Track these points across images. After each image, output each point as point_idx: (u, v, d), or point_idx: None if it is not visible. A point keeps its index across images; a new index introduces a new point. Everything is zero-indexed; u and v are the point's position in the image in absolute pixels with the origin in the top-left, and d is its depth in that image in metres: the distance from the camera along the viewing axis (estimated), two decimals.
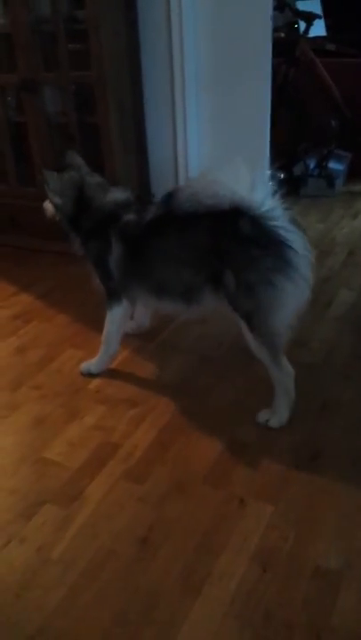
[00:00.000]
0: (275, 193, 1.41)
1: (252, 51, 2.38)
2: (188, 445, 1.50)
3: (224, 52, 2.42)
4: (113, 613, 1.10)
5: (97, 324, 1.78)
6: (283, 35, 3.21)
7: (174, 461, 1.45)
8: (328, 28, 3.57)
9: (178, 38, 2.38)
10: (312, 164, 3.33)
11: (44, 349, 1.94)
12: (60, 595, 1.13)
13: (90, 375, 1.78)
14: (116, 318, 1.72)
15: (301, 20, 3.23)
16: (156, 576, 1.16)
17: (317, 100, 3.30)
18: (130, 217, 1.59)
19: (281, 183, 3.20)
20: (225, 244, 1.44)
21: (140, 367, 1.83)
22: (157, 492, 1.36)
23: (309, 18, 3.22)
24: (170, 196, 1.52)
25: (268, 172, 2.73)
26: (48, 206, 1.73)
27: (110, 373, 1.79)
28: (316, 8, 3.48)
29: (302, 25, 3.25)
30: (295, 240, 1.39)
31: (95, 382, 1.76)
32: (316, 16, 3.25)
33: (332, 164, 3.34)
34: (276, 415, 1.53)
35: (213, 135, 2.57)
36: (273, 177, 3.10)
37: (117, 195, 1.66)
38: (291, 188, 3.26)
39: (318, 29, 3.42)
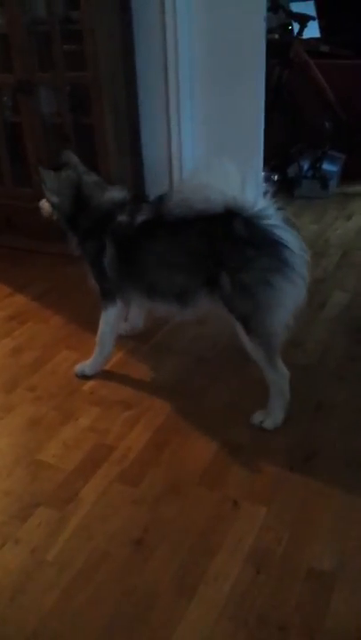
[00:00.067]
0: (266, 192, 1.42)
1: (247, 52, 2.39)
2: (182, 447, 1.50)
3: (218, 54, 2.42)
4: (108, 615, 1.10)
5: (92, 326, 1.78)
6: (277, 36, 3.22)
7: (169, 463, 1.45)
8: (322, 29, 3.58)
9: (172, 40, 2.39)
10: (306, 166, 3.34)
11: (39, 351, 1.94)
12: (55, 596, 1.13)
13: (84, 377, 1.78)
14: (111, 319, 1.72)
15: (295, 21, 3.24)
16: (150, 577, 1.17)
17: (311, 102, 3.31)
18: (123, 218, 1.59)
19: (275, 184, 3.21)
20: (219, 247, 1.44)
21: (135, 369, 1.83)
22: (152, 493, 1.36)
23: (303, 19, 3.23)
24: (160, 201, 1.53)
25: (262, 174, 2.74)
26: (45, 205, 1.72)
27: (105, 375, 1.79)
28: (310, 10, 3.49)
29: (296, 26, 3.26)
30: (290, 239, 1.40)
31: (90, 384, 1.76)
32: (309, 17, 3.26)
33: (326, 166, 3.35)
34: (271, 417, 1.53)
35: (208, 137, 2.58)
36: (267, 178, 3.11)
37: (115, 194, 1.66)
38: (285, 189, 3.27)
39: (312, 31, 3.43)
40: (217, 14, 2.36)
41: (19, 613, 1.11)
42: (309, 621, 1.07)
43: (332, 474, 1.39)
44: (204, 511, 1.31)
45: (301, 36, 3.26)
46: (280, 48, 3.18)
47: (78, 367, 1.79)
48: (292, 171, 3.32)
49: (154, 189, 2.50)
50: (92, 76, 2.27)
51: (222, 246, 1.44)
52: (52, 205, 1.69)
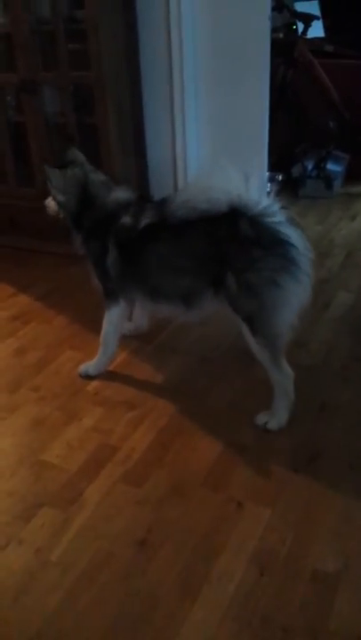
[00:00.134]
0: (269, 191, 1.41)
1: (251, 52, 2.38)
2: (186, 447, 1.50)
3: (223, 53, 2.42)
4: (112, 615, 1.10)
5: (96, 326, 1.78)
6: (281, 35, 3.21)
7: (172, 464, 1.45)
8: (326, 29, 3.57)
9: (177, 39, 2.38)
10: (310, 166, 3.33)
11: (42, 351, 1.94)
12: (59, 597, 1.13)
13: (88, 377, 1.78)
14: (114, 318, 1.71)
15: (300, 21, 3.23)
16: (154, 578, 1.17)
17: (316, 101, 3.30)
18: (126, 220, 1.58)
19: (279, 184, 3.21)
20: (225, 247, 1.44)
21: (139, 369, 1.83)
22: (156, 494, 1.36)
23: (308, 19, 3.22)
24: (163, 203, 1.52)
25: (267, 173, 2.73)
26: (50, 204, 1.72)
27: (108, 375, 1.79)
28: (315, 9, 3.48)
29: (300, 26, 3.25)
30: (295, 237, 1.40)
31: (93, 384, 1.76)
32: (314, 17, 3.25)
33: (331, 166, 3.34)
34: (275, 417, 1.53)
35: (212, 137, 2.57)
36: (271, 178, 3.10)
37: (120, 194, 1.65)
38: (289, 189, 3.26)
39: (317, 30, 3.42)
40: (221, 14, 2.36)
41: (22, 614, 1.11)
42: (313, 623, 1.07)
43: (337, 475, 1.39)
44: (208, 512, 1.31)
45: (306, 35, 3.25)
46: (284, 47, 3.18)
47: (82, 367, 1.79)
48: (296, 170, 3.31)
49: (158, 190, 2.51)
50: (95, 75, 2.27)
51: (228, 247, 1.43)
52: (58, 204, 1.68)
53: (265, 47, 2.38)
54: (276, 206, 1.41)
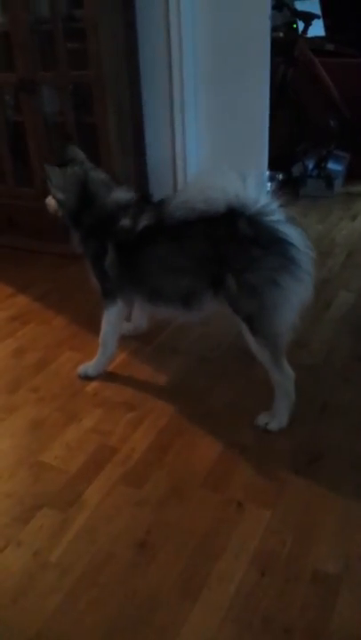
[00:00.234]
0: (270, 190, 1.41)
1: (251, 51, 2.38)
2: (186, 448, 1.49)
3: (223, 53, 2.42)
4: (111, 617, 1.09)
5: (95, 327, 1.77)
6: (281, 34, 3.20)
7: (172, 465, 1.44)
8: (327, 28, 3.57)
9: (176, 39, 2.38)
10: (311, 165, 3.32)
11: (41, 352, 1.93)
12: (58, 599, 1.13)
13: (87, 378, 1.77)
14: (112, 318, 1.71)
15: (300, 19, 3.23)
16: (154, 580, 1.16)
17: (316, 101, 3.30)
18: (125, 222, 1.57)
19: (279, 183, 3.20)
20: (224, 248, 1.43)
21: (138, 369, 1.82)
22: (156, 495, 1.35)
23: (308, 18, 3.21)
24: (161, 205, 1.51)
25: (267, 173, 2.73)
26: (51, 202, 1.71)
27: (108, 376, 1.78)
28: (315, 8, 3.48)
29: (301, 25, 3.24)
30: (295, 236, 1.39)
31: (93, 385, 1.75)
32: (314, 16, 3.24)
33: (331, 165, 3.33)
34: (276, 418, 1.52)
35: (212, 136, 2.57)
36: (272, 177, 3.10)
37: (120, 194, 1.63)
38: (289, 188, 3.25)
39: (317, 29, 3.41)
40: (221, 13, 2.35)
41: (21, 616, 1.10)
42: (314, 624, 1.06)
43: (338, 476, 1.38)
44: (208, 513, 1.30)
45: (306, 34, 3.25)
46: (285, 46, 3.17)
47: (81, 368, 1.78)
48: (296, 170, 3.31)
49: (158, 190, 2.50)
50: (95, 74, 2.26)
51: (227, 247, 1.43)
52: (58, 202, 1.67)
53: (265, 46, 2.37)
54: (275, 205, 1.40)
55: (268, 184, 2.97)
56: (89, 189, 1.63)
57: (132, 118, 2.49)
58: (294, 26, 3.26)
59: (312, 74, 3.25)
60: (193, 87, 2.49)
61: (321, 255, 2.49)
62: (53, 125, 2.50)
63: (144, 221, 1.54)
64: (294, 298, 1.41)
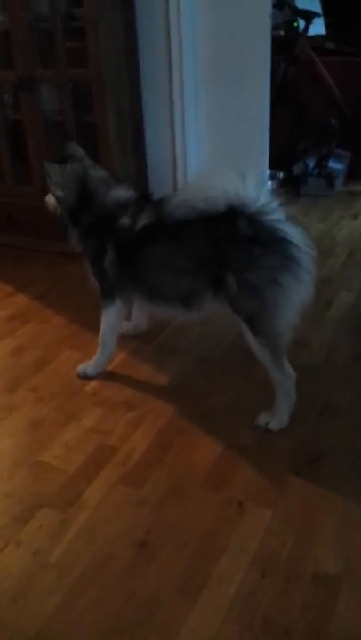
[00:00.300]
0: (270, 189, 1.40)
1: (252, 49, 2.37)
2: (186, 448, 1.48)
3: (223, 52, 2.41)
4: (111, 618, 1.09)
5: (94, 326, 1.77)
6: (282, 33, 3.20)
7: (172, 464, 1.44)
8: (328, 26, 3.56)
9: (176, 38, 2.37)
10: (312, 164, 3.31)
11: (40, 351, 1.92)
12: (58, 599, 1.12)
13: (87, 377, 1.76)
14: (111, 318, 1.70)
15: (301, 18, 3.22)
16: (154, 580, 1.15)
17: (317, 99, 3.29)
18: (125, 221, 1.56)
19: (280, 182, 3.19)
20: (224, 247, 1.42)
21: (138, 369, 1.81)
22: (155, 495, 1.35)
23: (309, 16, 3.20)
24: (161, 203, 1.51)
25: (268, 171, 2.72)
26: (50, 200, 1.70)
27: (107, 375, 1.78)
28: (316, 6, 3.47)
29: (301, 23, 3.23)
30: (296, 235, 1.38)
31: (92, 384, 1.75)
32: (315, 14, 3.24)
33: (332, 164, 3.33)
34: (277, 418, 1.51)
35: (213, 136, 2.56)
36: (272, 176, 3.09)
37: (120, 193, 1.62)
38: (290, 187, 3.24)
39: (318, 28, 3.41)
40: (222, 12, 2.34)
41: (21, 616, 1.10)
42: (315, 624, 1.06)
43: (338, 476, 1.38)
44: (208, 514, 1.29)
45: (307, 32, 3.24)
46: (285, 45, 3.16)
47: (81, 367, 1.78)
48: (297, 169, 3.30)
49: (158, 189, 2.49)
50: (94, 73, 2.25)
51: (227, 246, 1.42)
52: (57, 199, 1.66)
53: (265, 45, 2.36)
54: (275, 204, 1.39)
55: (269, 183, 2.96)
56: (88, 187, 1.62)
57: (132, 117, 2.48)
58: (295, 24, 3.25)
59: (313, 72, 3.25)
60: (193, 86, 2.48)
61: (322, 254, 2.49)
62: (52, 124, 2.49)
63: (144, 220, 1.53)
64: (295, 297, 1.40)
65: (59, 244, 2.18)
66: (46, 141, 2.47)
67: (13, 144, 2.58)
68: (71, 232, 1.69)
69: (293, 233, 1.38)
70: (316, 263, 1.42)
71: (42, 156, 2.45)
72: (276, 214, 1.38)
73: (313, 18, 3.22)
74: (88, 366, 1.77)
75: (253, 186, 1.37)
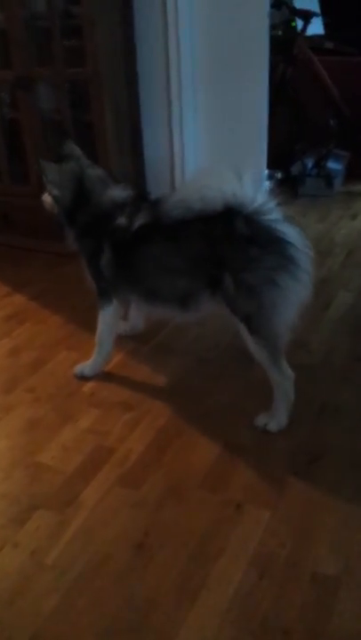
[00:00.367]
0: (265, 189, 1.40)
1: (250, 49, 2.37)
2: (184, 449, 1.48)
3: (221, 51, 2.41)
4: (109, 619, 1.08)
5: (91, 326, 1.76)
6: (280, 32, 3.19)
7: (170, 465, 1.43)
8: (326, 26, 3.55)
9: (174, 38, 2.37)
10: (310, 164, 3.31)
11: (37, 351, 1.92)
12: (55, 601, 1.12)
13: (84, 378, 1.75)
14: (107, 318, 1.69)
15: (299, 17, 3.22)
16: (151, 582, 1.15)
17: (315, 99, 3.29)
18: (121, 221, 1.55)
19: (279, 182, 3.19)
20: (221, 248, 1.42)
21: (135, 370, 1.81)
22: (153, 496, 1.34)
23: (307, 16, 3.20)
24: (157, 203, 1.50)
25: (266, 172, 2.72)
26: (47, 199, 1.69)
27: (105, 376, 1.77)
28: (314, 6, 3.46)
29: (300, 23, 3.23)
30: (293, 235, 1.38)
31: (89, 385, 1.74)
32: (313, 14, 3.23)
33: (331, 164, 3.32)
34: (275, 419, 1.51)
35: (211, 136, 2.56)
36: (270, 176, 3.09)
37: (117, 192, 1.61)
38: (289, 187, 3.24)
39: (316, 27, 3.40)
40: (219, 11, 2.34)
41: (18, 618, 1.09)
42: (313, 626, 1.05)
43: (337, 476, 1.37)
44: (207, 515, 1.29)
45: (305, 32, 3.24)
46: (284, 45, 3.16)
47: (78, 368, 1.77)
48: (296, 169, 3.30)
49: (156, 189, 2.49)
50: (92, 72, 2.25)
51: (224, 247, 1.41)
52: (54, 198, 1.65)
53: (264, 45, 2.36)
54: (273, 204, 1.39)
55: (267, 183, 2.96)
56: (85, 186, 1.61)
57: (130, 117, 2.48)
58: (293, 24, 3.24)
59: (311, 72, 3.24)
60: (191, 86, 2.48)
61: (320, 254, 2.48)
62: (50, 123, 2.48)
63: (140, 220, 1.52)
64: (293, 297, 1.39)
65: (56, 244, 2.17)
66: (43, 140, 2.46)
67: (10, 143, 2.57)
68: (68, 231, 1.68)
69: (291, 233, 1.38)
70: (314, 263, 1.42)
71: (39, 155, 2.44)
72: (274, 214, 1.38)
73: (311, 17, 3.22)
74: (85, 367, 1.76)
75: (251, 186, 1.37)
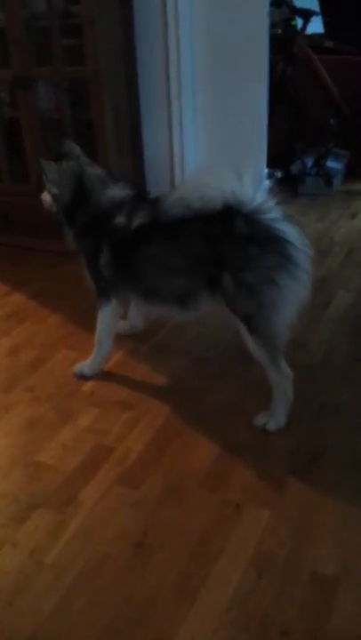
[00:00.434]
0: (264, 188, 1.40)
1: (249, 48, 2.37)
2: (183, 448, 1.48)
3: (221, 51, 2.40)
4: (107, 619, 1.08)
5: (91, 325, 1.76)
6: (280, 31, 3.19)
7: (169, 465, 1.43)
8: (326, 24, 3.55)
9: (174, 36, 2.37)
10: (310, 163, 3.31)
11: (37, 350, 1.91)
12: (54, 600, 1.12)
13: (83, 377, 1.75)
14: (106, 318, 1.69)
15: (299, 16, 3.21)
16: (151, 581, 1.15)
17: (315, 98, 3.28)
18: (120, 220, 1.55)
19: (278, 181, 3.18)
20: (220, 247, 1.42)
21: (135, 369, 1.81)
22: (152, 495, 1.34)
23: (307, 14, 3.19)
24: (157, 202, 1.50)
25: (266, 170, 2.72)
26: (46, 197, 1.68)
27: (104, 375, 1.77)
28: (314, 5, 3.46)
29: (300, 22, 3.23)
30: (293, 234, 1.37)
31: (89, 384, 1.74)
32: (313, 13, 3.23)
33: (330, 163, 3.32)
34: (274, 418, 1.51)
35: (210, 135, 2.56)
36: (270, 175, 3.08)
37: (116, 191, 1.61)
38: (288, 186, 3.24)
39: (316, 26, 3.40)
40: (219, 10, 2.34)
41: (17, 617, 1.09)
42: (312, 625, 1.05)
43: (336, 476, 1.37)
44: (206, 514, 1.29)
45: (305, 31, 3.23)
46: (283, 43, 3.15)
47: (77, 367, 1.77)
48: (295, 168, 3.29)
49: (155, 188, 2.49)
50: (91, 71, 2.24)
51: (223, 246, 1.41)
52: (53, 197, 1.65)
53: (263, 44, 2.36)
54: (272, 203, 1.39)
55: (267, 182, 2.96)
56: (84, 185, 1.61)
57: (130, 116, 2.48)
58: (293, 23, 3.24)
59: (311, 71, 3.24)
60: (191, 85, 2.48)
61: (320, 254, 2.48)
62: (49, 122, 2.48)
63: (139, 219, 1.52)
64: (292, 297, 1.39)
65: (55, 243, 2.17)
66: (43, 139, 2.46)
67: (10, 142, 2.56)
68: (67, 230, 1.68)
69: (291, 232, 1.38)
70: (313, 263, 1.42)
71: (38, 154, 2.44)
72: (274, 213, 1.38)
73: (311, 16, 3.21)
74: (84, 366, 1.76)
75: (250, 184, 1.37)
